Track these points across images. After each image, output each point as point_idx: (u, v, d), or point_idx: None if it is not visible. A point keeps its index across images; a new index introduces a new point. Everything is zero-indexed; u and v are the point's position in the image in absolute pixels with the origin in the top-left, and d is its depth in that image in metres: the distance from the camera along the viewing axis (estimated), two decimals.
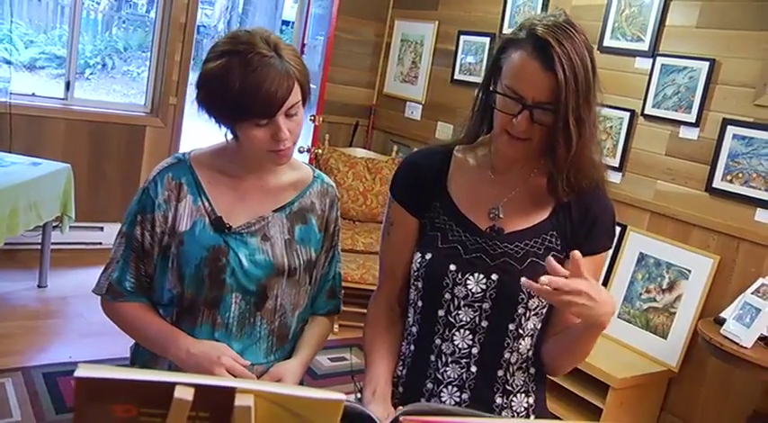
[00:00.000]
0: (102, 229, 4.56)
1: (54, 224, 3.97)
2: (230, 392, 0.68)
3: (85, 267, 4.37)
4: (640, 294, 3.44)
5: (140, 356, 1.50)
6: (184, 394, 0.67)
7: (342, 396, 0.73)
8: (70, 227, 4.00)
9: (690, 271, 3.29)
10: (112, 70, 11.41)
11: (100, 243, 4.56)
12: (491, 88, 1.32)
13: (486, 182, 1.40)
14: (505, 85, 1.26)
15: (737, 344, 2.71)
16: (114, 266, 1.44)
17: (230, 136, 1.44)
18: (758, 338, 2.72)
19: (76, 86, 4.59)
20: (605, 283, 3.51)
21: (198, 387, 0.68)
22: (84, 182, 4.40)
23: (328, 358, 3.72)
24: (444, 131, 4.81)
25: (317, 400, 0.71)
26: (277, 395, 0.70)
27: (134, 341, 1.55)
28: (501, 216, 1.36)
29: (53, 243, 4.05)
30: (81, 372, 0.65)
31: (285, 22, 12.55)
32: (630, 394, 3.21)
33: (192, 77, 4.75)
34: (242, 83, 1.29)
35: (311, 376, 3.49)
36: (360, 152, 4.98)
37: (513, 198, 1.38)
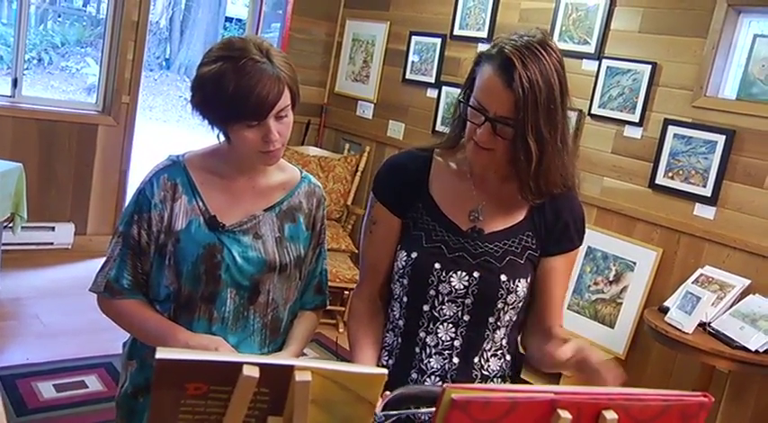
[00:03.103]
0: (53, 228, 4.50)
1: (5, 224, 3.90)
2: (289, 370, 0.77)
3: (37, 268, 4.31)
4: (589, 286, 3.62)
5: (138, 351, 1.55)
6: (252, 372, 0.75)
7: (384, 371, 0.82)
8: (21, 227, 3.94)
9: (635, 263, 3.48)
10: (49, 65, 11.10)
11: (51, 243, 4.50)
12: (462, 98, 1.41)
13: (465, 185, 1.48)
14: (474, 97, 1.35)
15: (680, 330, 2.90)
16: (111, 265, 1.49)
17: (222, 138, 1.50)
18: (698, 324, 2.92)
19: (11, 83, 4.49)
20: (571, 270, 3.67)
21: (262, 366, 0.76)
22: (35, 181, 4.33)
23: None
24: (396, 130, 4.91)
25: (363, 375, 0.80)
26: (329, 371, 0.78)
27: (129, 337, 1.60)
28: (481, 218, 1.46)
29: (3, 243, 3.98)
30: (161, 354, 0.72)
31: (228, 19, 12.46)
32: (580, 382, 3.36)
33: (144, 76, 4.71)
34: (235, 87, 1.36)
35: None
36: (312, 150, 5.04)
37: (491, 201, 1.47)
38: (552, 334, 1.43)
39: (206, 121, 1.47)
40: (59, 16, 11.96)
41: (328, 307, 4.61)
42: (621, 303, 3.49)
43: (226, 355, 0.80)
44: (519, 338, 1.55)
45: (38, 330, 3.55)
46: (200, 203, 1.49)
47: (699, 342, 2.83)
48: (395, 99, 4.93)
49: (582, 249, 3.65)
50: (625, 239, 3.54)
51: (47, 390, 3.05)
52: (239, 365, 0.75)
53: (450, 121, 1.51)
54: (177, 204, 1.47)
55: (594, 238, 3.63)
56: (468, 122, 1.37)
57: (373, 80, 5.09)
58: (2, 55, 10.28)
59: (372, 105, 5.10)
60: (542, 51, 1.30)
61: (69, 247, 4.57)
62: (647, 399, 0.84)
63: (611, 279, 3.56)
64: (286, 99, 1.41)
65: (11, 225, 3.90)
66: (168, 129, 9.99)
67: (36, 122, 4.37)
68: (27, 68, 10.78)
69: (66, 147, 4.50)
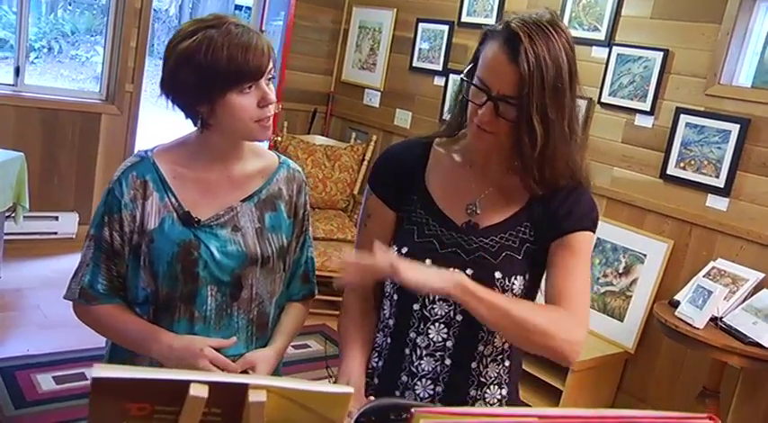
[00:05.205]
0: (56, 218, 4.47)
1: (7, 214, 3.87)
2: (243, 389, 0.70)
3: (40, 258, 4.28)
4: (598, 279, 3.54)
5: (119, 354, 1.49)
6: (199, 392, 0.68)
7: (350, 389, 0.75)
8: (24, 217, 3.91)
9: (645, 255, 3.40)
10: (59, 54, 11.08)
11: (55, 233, 4.47)
12: (466, 78, 1.33)
13: (464, 177, 1.40)
14: (477, 76, 1.27)
15: (691, 325, 2.82)
16: (85, 270, 1.42)
17: (193, 129, 1.44)
18: (709, 319, 2.84)
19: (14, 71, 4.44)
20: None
21: (212, 384, 0.69)
22: (38, 171, 4.30)
23: (291, 346, 3.71)
24: (403, 118, 4.83)
25: (326, 394, 0.73)
26: (288, 390, 0.71)
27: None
28: (478, 212, 1.38)
29: (6, 233, 3.95)
30: (97, 372, 0.66)
31: (238, 7, 12.38)
32: (589, 376, 3.31)
33: (149, 64, 4.69)
34: (229, 47, 1.31)
35: None
36: (318, 139, 4.97)
37: (490, 194, 1.39)
38: None
39: (179, 106, 1.40)
40: (70, 4, 11.93)
41: (334, 298, 4.54)
42: (631, 296, 3.41)
43: (170, 372, 0.72)
44: None
45: (39, 321, 3.52)
46: (173, 199, 1.42)
47: (710, 337, 2.75)
48: (402, 87, 4.85)
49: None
50: (635, 231, 3.46)
51: (46, 382, 3.02)
52: (186, 384, 0.68)
53: (453, 104, 1.43)
54: (149, 202, 1.41)
55: (604, 229, 3.54)
56: (471, 103, 1.29)
57: (380, 68, 5.01)
58: (13, 44, 10.27)
59: (379, 94, 5.02)
60: (551, 30, 1.22)
61: (73, 236, 4.53)
62: (643, 420, 0.77)
63: (620, 271, 3.48)
64: (271, 62, 1.37)
65: (13, 215, 3.87)
66: (176, 117, 9.89)
67: (39, 111, 4.33)
68: (37, 57, 10.80)
69: (70, 136, 4.46)
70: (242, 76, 1.33)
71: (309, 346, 3.79)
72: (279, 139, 4.71)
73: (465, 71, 1.33)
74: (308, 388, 0.72)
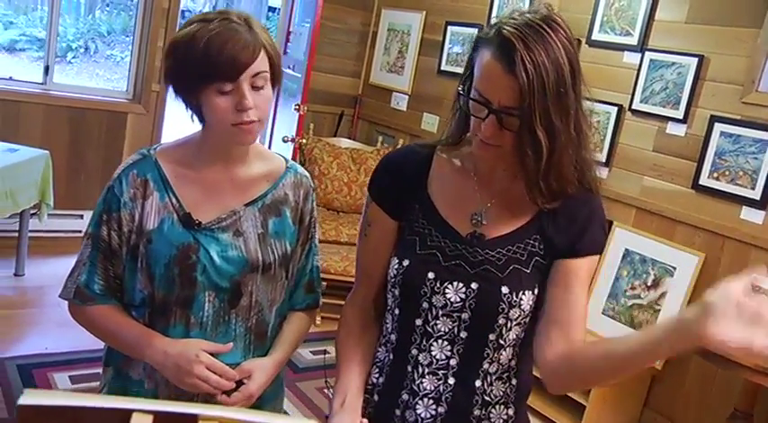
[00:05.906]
0: (81, 216, 4.49)
1: (32, 212, 3.90)
2: (192, 419, 0.63)
3: (64, 256, 4.29)
4: (625, 291, 3.43)
5: (114, 358, 1.45)
6: None
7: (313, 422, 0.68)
8: (49, 214, 3.93)
9: (675, 268, 3.28)
10: (95, 54, 11.25)
11: (79, 231, 4.48)
12: (462, 91, 1.24)
13: (468, 186, 1.32)
14: (475, 88, 1.19)
15: None
16: (81, 269, 1.38)
17: (199, 126, 1.40)
18: None
19: (57, 70, 4.50)
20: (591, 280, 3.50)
21: (157, 414, 0.63)
22: (64, 169, 4.32)
23: (310, 351, 3.68)
24: (430, 122, 4.76)
25: None
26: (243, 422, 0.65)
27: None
28: (484, 222, 1.30)
29: (31, 231, 3.98)
30: (24, 400, 0.59)
31: (271, 9, 12.42)
32: (613, 391, 3.20)
33: None
34: (206, 44, 1.26)
35: (292, 370, 3.45)
36: (345, 142, 4.93)
37: (497, 203, 1.31)
38: (576, 347, 1.23)
39: (179, 99, 1.36)
40: (107, 5, 12.12)
41: None
42: (659, 310, 3.29)
43: (108, 399, 0.66)
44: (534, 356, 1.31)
45: (58, 319, 3.51)
46: (174, 200, 1.37)
47: (742, 357, 2.63)
48: (430, 91, 4.78)
49: (619, 252, 3.47)
50: (665, 242, 3.34)
51: (62, 381, 3.01)
52: (128, 413, 0.62)
53: (452, 113, 1.35)
54: (148, 202, 1.36)
55: (633, 239, 3.44)
56: (472, 117, 1.21)
57: (408, 71, 4.95)
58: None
59: (407, 97, 4.96)
60: (547, 29, 1.13)
61: None
62: None
63: (649, 284, 3.36)
64: (263, 64, 1.30)
65: (38, 212, 3.89)
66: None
67: (66, 110, 4.36)
68: (75, 57, 10.97)
69: (96, 135, 4.48)
70: (214, 76, 1.26)
71: (329, 352, 3.73)
72: (304, 141, 4.67)
73: (461, 82, 1.25)
74: (265, 420, 0.65)
